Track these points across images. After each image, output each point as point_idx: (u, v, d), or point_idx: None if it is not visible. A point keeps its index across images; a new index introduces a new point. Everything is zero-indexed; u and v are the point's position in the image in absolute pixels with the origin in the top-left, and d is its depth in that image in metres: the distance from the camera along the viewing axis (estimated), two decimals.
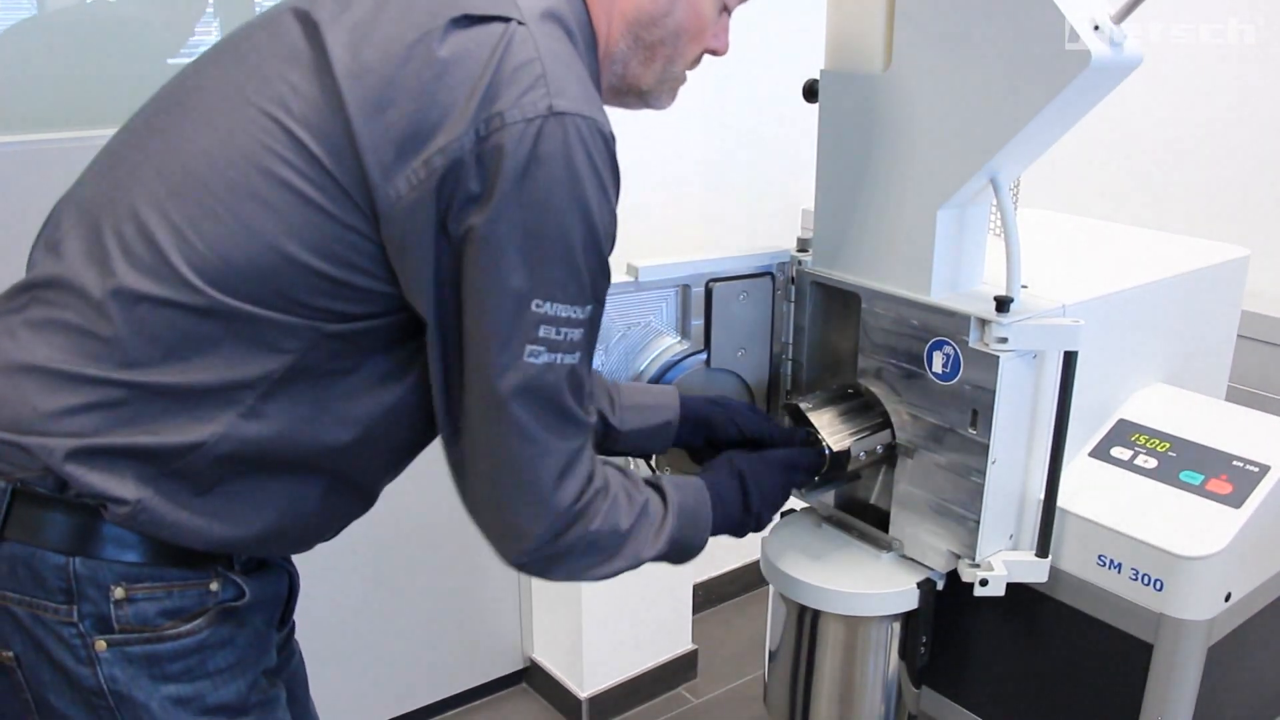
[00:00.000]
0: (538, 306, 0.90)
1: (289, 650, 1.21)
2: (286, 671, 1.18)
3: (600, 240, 0.92)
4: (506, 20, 0.90)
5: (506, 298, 0.89)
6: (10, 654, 0.93)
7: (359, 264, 0.91)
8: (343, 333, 0.93)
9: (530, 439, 0.93)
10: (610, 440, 1.19)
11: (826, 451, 1.19)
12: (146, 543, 0.93)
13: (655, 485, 1.09)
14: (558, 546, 0.98)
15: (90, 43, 1.72)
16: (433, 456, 2.31)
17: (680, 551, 1.10)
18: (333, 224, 0.90)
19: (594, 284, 0.93)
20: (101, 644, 0.93)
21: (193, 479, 0.93)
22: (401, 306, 0.94)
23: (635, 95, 1.09)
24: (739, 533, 1.16)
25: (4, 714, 0.97)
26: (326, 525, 1.06)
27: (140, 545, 0.93)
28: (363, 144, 0.88)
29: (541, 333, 0.90)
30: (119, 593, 0.92)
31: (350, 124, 0.88)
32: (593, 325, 0.95)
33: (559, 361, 0.92)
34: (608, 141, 0.92)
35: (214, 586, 0.98)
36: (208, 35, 1.85)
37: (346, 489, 1.04)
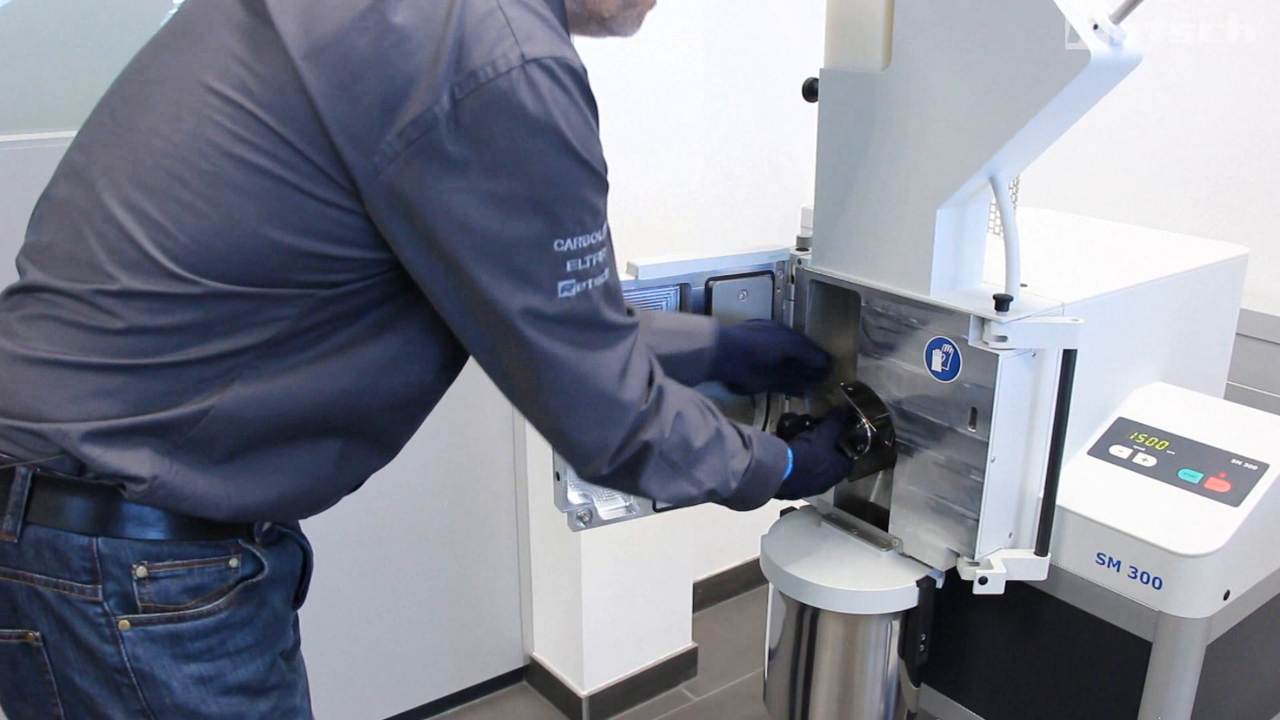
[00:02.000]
0: (559, 246, 0.92)
1: (295, 638, 1.20)
2: (296, 656, 1.19)
3: (596, 169, 0.94)
4: None
5: (527, 247, 0.91)
6: (36, 634, 0.95)
7: (345, 237, 0.92)
8: (338, 295, 0.94)
9: (582, 362, 0.97)
10: None
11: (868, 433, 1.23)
12: (167, 519, 0.95)
13: (734, 425, 1.13)
14: (634, 448, 1.02)
15: (68, 39, 1.72)
16: (431, 456, 2.31)
17: (741, 500, 1.14)
18: (312, 202, 0.90)
19: (602, 207, 0.96)
20: (125, 623, 0.94)
21: (207, 448, 0.94)
22: (395, 265, 0.95)
23: (597, 23, 1.09)
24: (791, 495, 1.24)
25: (28, 695, 0.98)
26: (346, 481, 1.08)
27: (160, 522, 0.95)
28: (330, 124, 0.87)
29: (569, 268, 0.93)
30: (141, 571, 0.94)
31: (314, 105, 0.87)
32: (609, 237, 0.98)
33: (590, 286, 0.95)
34: (581, 76, 0.92)
35: (233, 563, 1.00)
36: None
37: (362, 443, 1.05)
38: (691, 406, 1.08)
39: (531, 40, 0.87)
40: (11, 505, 0.92)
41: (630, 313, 1.02)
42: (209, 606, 0.98)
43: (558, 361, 0.96)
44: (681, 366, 1.23)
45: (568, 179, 0.91)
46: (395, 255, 0.94)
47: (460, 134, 0.87)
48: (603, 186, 0.95)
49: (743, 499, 1.14)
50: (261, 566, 1.02)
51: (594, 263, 0.95)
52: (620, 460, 1.02)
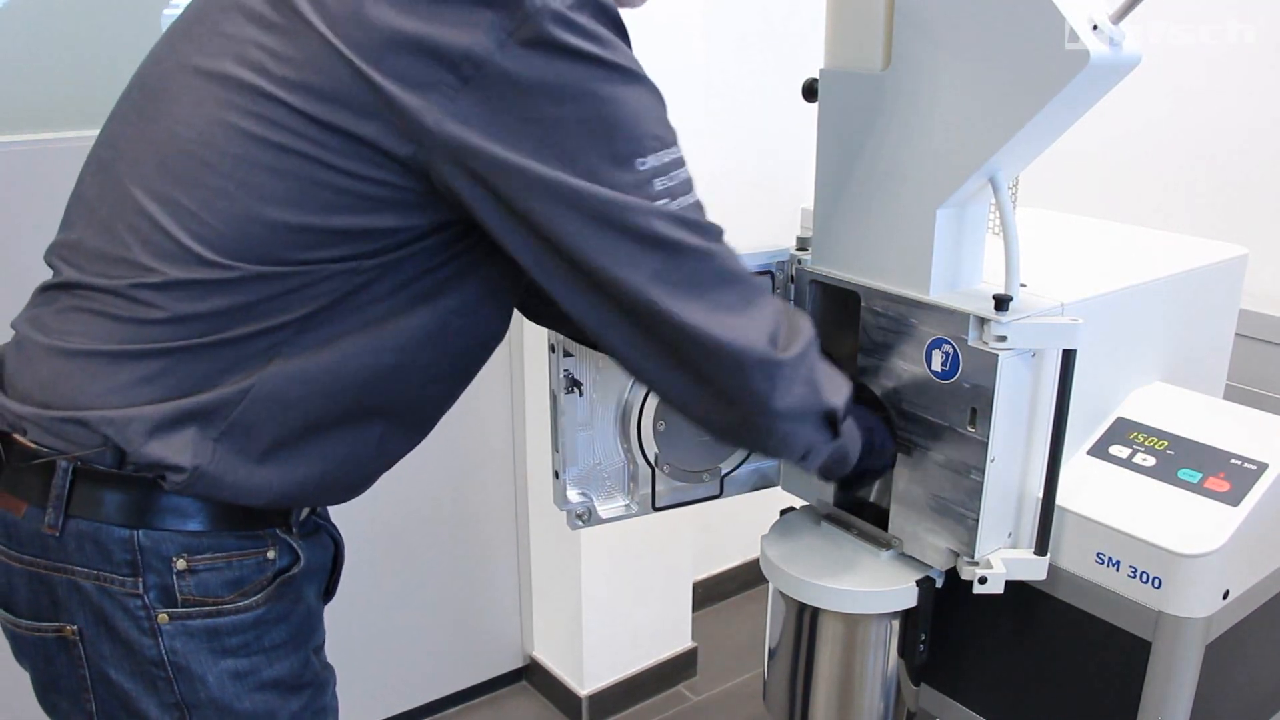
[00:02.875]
0: (642, 165, 0.91)
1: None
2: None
3: (652, 85, 0.93)
4: None
5: (613, 167, 0.89)
6: (74, 628, 0.96)
7: (380, 206, 0.91)
8: (376, 267, 0.94)
9: (705, 261, 0.94)
10: None
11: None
12: (206, 509, 0.96)
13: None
14: (793, 352, 0.97)
15: (69, 39, 1.72)
16: (432, 455, 2.31)
17: (843, 451, 1.10)
18: (343, 177, 0.89)
19: (669, 122, 0.95)
20: (164, 616, 0.95)
21: (249, 433, 0.95)
22: (434, 228, 0.95)
23: None
24: (845, 480, 1.23)
25: (63, 688, 0.99)
26: (384, 463, 1.08)
27: (200, 513, 0.95)
28: (380, 80, 0.86)
29: (658, 185, 0.91)
30: (181, 564, 0.95)
31: (358, 67, 0.86)
32: (681, 153, 0.96)
33: (686, 203, 0.93)
34: (615, 15, 0.93)
35: (271, 554, 1.00)
36: None
37: (399, 422, 1.05)
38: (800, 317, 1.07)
39: None
40: (53, 499, 0.93)
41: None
42: (247, 601, 0.98)
43: (678, 279, 0.93)
44: None
45: (630, 96, 0.90)
46: (433, 221, 0.94)
47: (516, 66, 0.86)
48: (663, 102, 0.94)
49: (841, 453, 1.11)
50: (298, 558, 1.03)
51: (681, 179, 0.94)
52: (782, 334, 0.98)
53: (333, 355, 0.95)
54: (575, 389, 1.24)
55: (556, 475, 1.27)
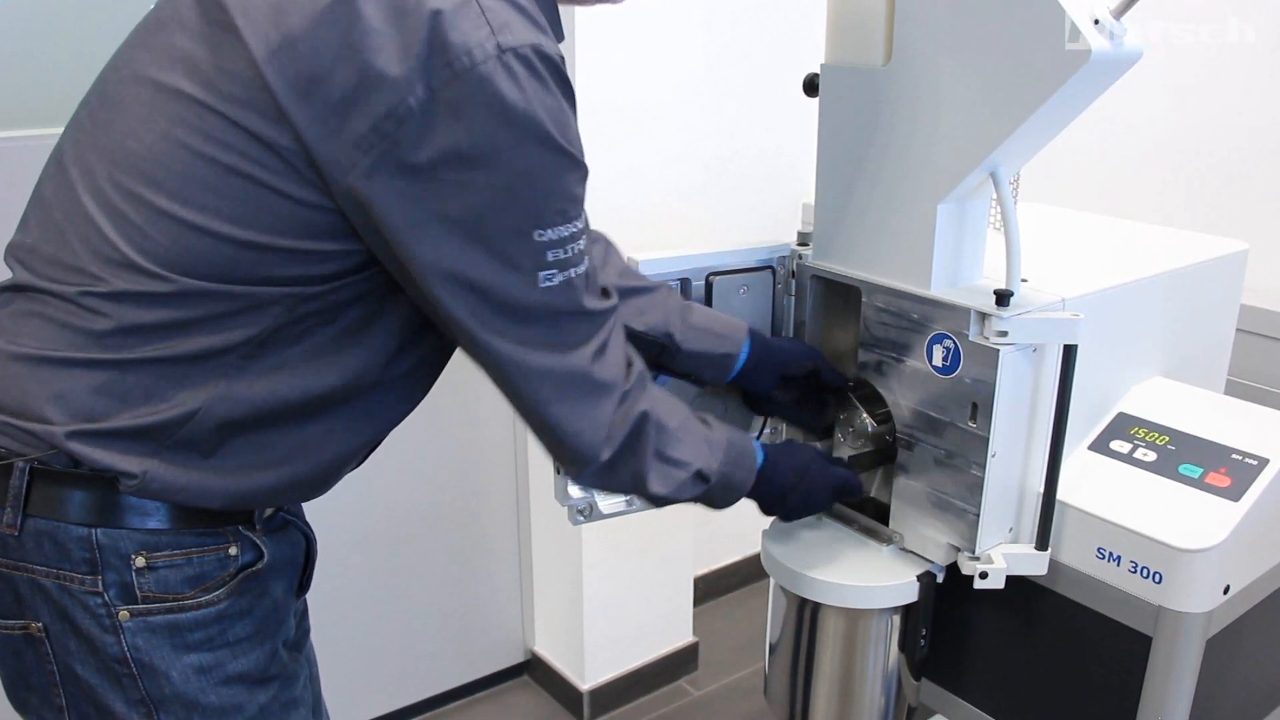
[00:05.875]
0: (540, 236, 0.91)
1: (304, 628, 1.22)
2: (304, 646, 1.21)
3: (576, 157, 0.93)
4: None
5: (509, 238, 0.91)
6: (39, 625, 0.96)
7: (319, 232, 0.91)
8: (320, 293, 0.94)
9: (566, 352, 0.97)
10: (668, 356, 1.24)
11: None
12: (164, 509, 0.96)
13: (698, 415, 1.14)
14: (631, 422, 1.03)
15: (65, 34, 1.72)
16: (432, 452, 2.31)
17: (725, 485, 1.14)
18: (284, 201, 0.89)
19: (581, 195, 0.95)
20: (125, 613, 0.95)
21: (196, 445, 0.95)
22: (375, 259, 0.95)
23: None
24: (766, 509, 1.23)
25: (33, 685, 1.00)
26: (344, 463, 1.07)
27: (158, 512, 0.96)
28: (297, 121, 0.86)
29: (550, 257, 0.93)
30: (140, 561, 0.95)
31: (279, 101, 0.86)
32: (586, 223, 0.98)
33: (573, 275, 0.95)
34: (558, 65, 0.91)
35: (233, 551, 1.00)
36: None
37: (354, 428, 1.05)
38: (661, 391, 1.09)
39: (508, 29, 0.86)
40: (11, 498, 0.93)
41: (607, 293, 1.02)
42: (208, 597, 0.99)
43: (536, 355, 0.96)
44: (709, 366, 1.24)
45: (548, 168, 0.90)
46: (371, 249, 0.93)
47: (437, 125, 0.85)
48: (582, 174, 0.94)
49: (726, 484, 1.14)
50: (261, 554, 1.03)
51: (575, 251, 0.94)
52: (619, 440, 1.03)
53: (279, 380, 0.96)
54: None
55: (558, 471, 1.27)
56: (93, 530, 0.94)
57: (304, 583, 1.16)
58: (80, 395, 0.92)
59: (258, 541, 1.03)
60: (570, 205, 0.93)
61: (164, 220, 0.90)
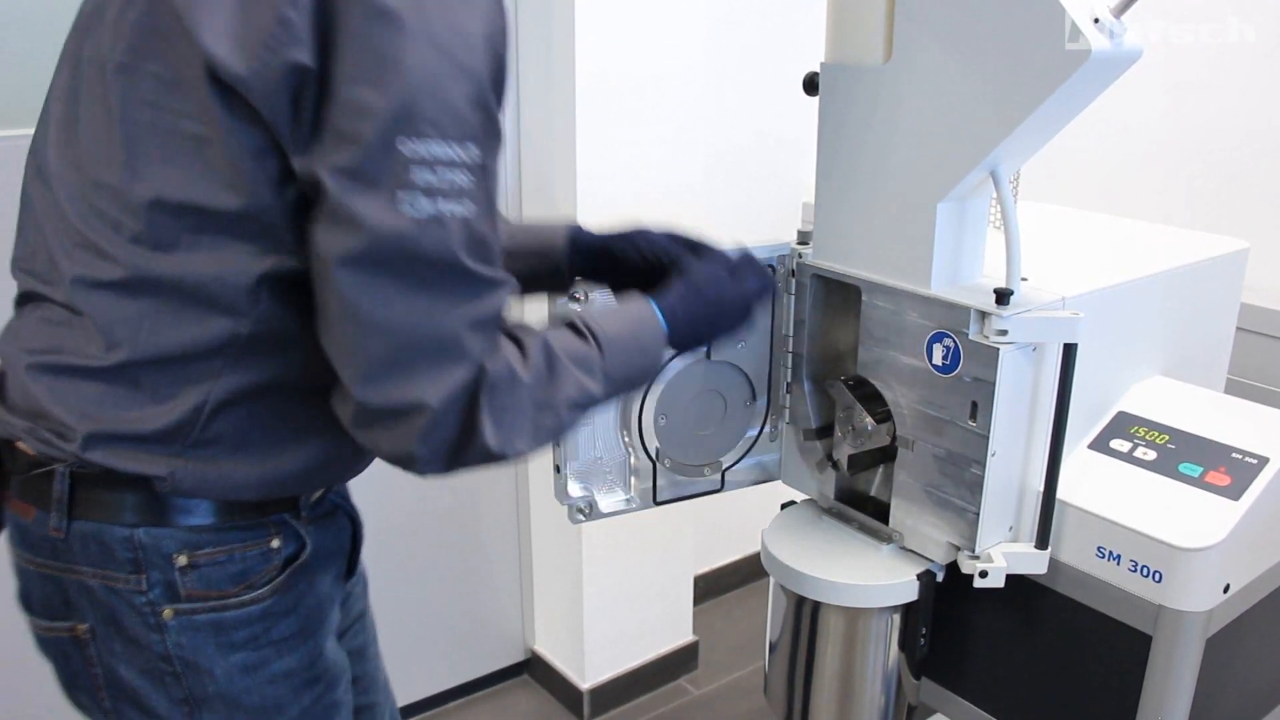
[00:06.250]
0: (403, 145, 0.81)
1: (358, 607, 1.23)
2: (358, 627, 1.22)
3: (472, 73, 0.83)
4: None
5: (370, 138, 0.80)
6: (85, 627, 0.97)
7: (272, 180, 0.86)
8: (296, 271, 0.89)
9: (423, 311, 0.85)
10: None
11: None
12: (204, 505, 0.95)
13: (572, 325, 1.01)
14: (468, 395, 0.88)
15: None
16: None
17: (629, 376, 1.03)
18: (225, 152, 0.85)
19: (478, 120, 0.84)
20: (169, 612, 0.96)
21: (217, 440, 0.94)
22: None
23: None
24: (696, 341, 1.14)
25: (81, 686, 1.01)
26: None
27: (198, 509, 0.95)
28: (208, 47, 0.82)
29: (416, 177, 0.81)
30: (182, 560, 0.95)
31: (194, 37, 0.82)
32: (484, 174, 0.85)
33: (445, 212, 0.83)
34: None
35: (275, 544, 0.99)
36: None
37: None
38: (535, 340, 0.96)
39: None
40: (55, 503, 0.94)
41: (499, 268, 0.90)
42: (252, 595, 0.98)
43: (381, 296, 0.83)
44: (539, 279, 1.18)
45: (428, 73, 0.81)
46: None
47: (319, 24, 0.80)
48: (479, 99, 0.84)
49: (631, 375, 1.02)
50: (304, 545, 1.02)
51: (452, 183, 0.83)
52: (459, 429, 0.89)
53: (278, 358, 0.94)
54: None
55: (558, 470, 1.27)
56: (135, 530, 0.94)
57: (351, 567, 1.15)
58: (90, 404, 0.92)
59: (301, 531, 1.02)
60: (451, 122, 0.82)
61: (132, 200, 0.88)
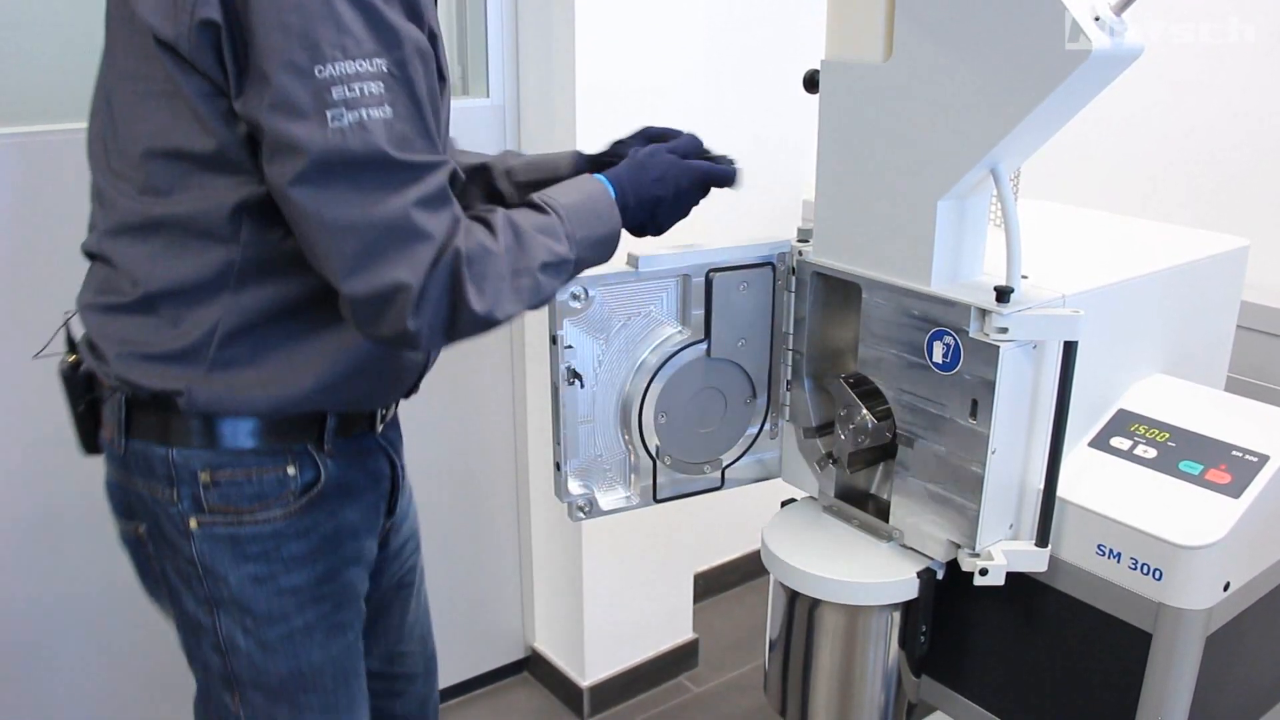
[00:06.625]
0: (320, 72, 0.92)
1: (402, 557, 1.38)
2: (397, 578, 1.38)
3: None
4: None
5: (288, 74, 0.92)
6: (143, 528, 1.15)
7: (229, 117, 0.99)
8: (265, 196, 1.01)
9: (370, 205, 0.95)
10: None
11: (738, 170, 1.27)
12: (227, 427, 1.09)
13: (529, 202, 1.12)
14: (444, 284, 0.98)
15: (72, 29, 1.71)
16: (433, 447, 2.31)
17: (591, 244, 1.12)
18: (188, 101, 0.99)
19: (376, 34, 0.95)
20: (194, 522, 1.11)
21: (230, 363, 1.07)
22: None
23: None
24: (638, 232, 1.21)
25: (147, 576, 1.20)
26: (390, 367, 1.17)
27: (223, 434, 1.10)
28: (143, 17, 0.98)
29: (336, 95, 0.93)
30: (205, 477, 1.10)
31: (134, 11, 0.99)
32: (395, 78, 0.96)
33: (367, 117, 0.94)
34: None
35: (290, 470, 1.13)
36: None
37: None
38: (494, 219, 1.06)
39: None
40: (117, 424, 1.12)
41: (428, 151, 1.00)
42: (267, 514, 1.12)
43: (335, 201, 0.95)
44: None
45: (321, 7, 0.92)
46: None
47: None
48: (370, 16, 0.94)
49: (592, 243, 1.12)
50: (320, 475, 1.14)
51: (369, 91, 0.94)
52: (438, 296, 0.98)
53: (278, 281, 1.06)
54: (576, 381, 1.24)
55: (558, 467, 1.27)
56: (170, 449, 1.10)
57: (391, 507, 1.28)
58: (122, 332, 1.08)
59: (320, 462, 1.14)
60: (352, 44, 0.93)
61: (129, 157, 1.04)
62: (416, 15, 1.00)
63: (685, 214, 1.25)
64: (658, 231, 1.23)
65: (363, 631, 1.25)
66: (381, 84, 0.95)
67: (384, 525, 1.28)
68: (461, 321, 1.00)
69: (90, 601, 1.86)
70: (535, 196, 1.12)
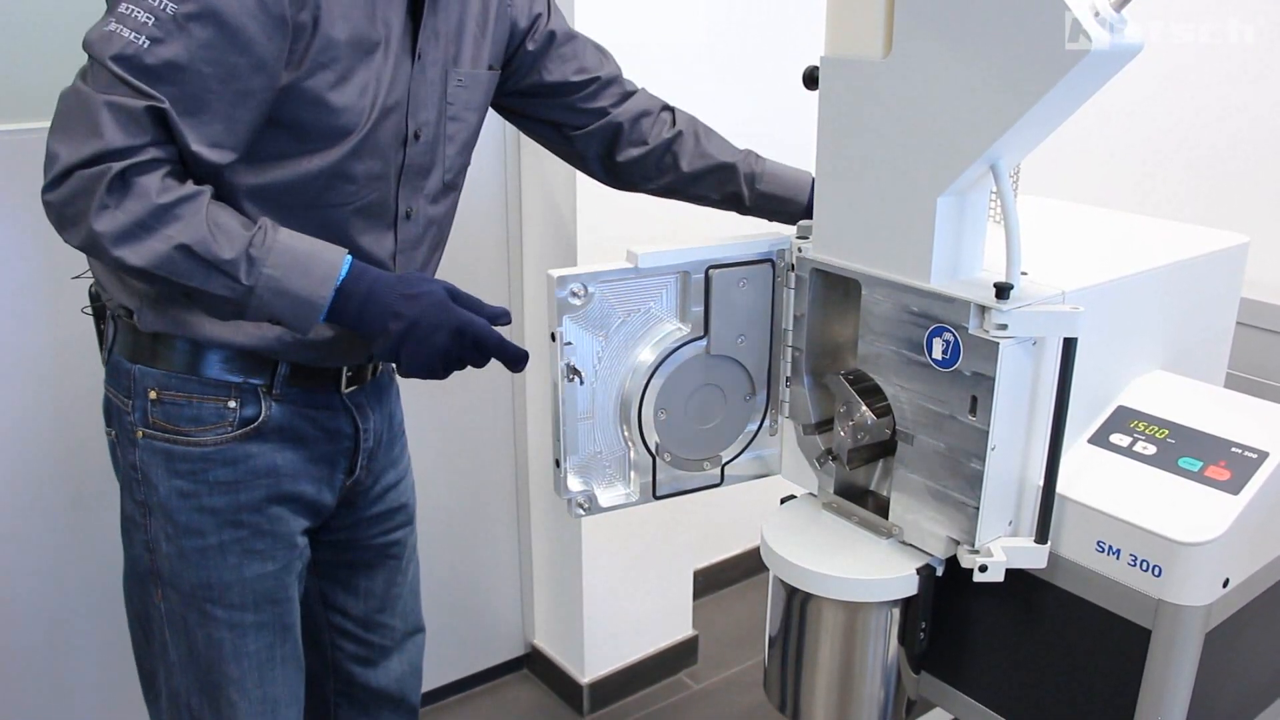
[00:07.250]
0: None
1: (393, 534, 1.55)
2: (377, 543, 1.52)
3: None
4: None
5: None
6: (114, 432, 1.32)
7: None
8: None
9: (79, 86, 1.09)
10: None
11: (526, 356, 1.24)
12: (180, 353, 1.24)
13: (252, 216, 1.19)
14: (85, 183, 1.06)
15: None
16: (433, 445, 2.31)
17: (276, 289, 1.12)
18: None
19: None
20: (140, 432, 1.27)
21: (165, 292, 1.19)
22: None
23: None
24: (379, 351, 1.17)
25: (117, 468, 1.34)
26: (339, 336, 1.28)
27: (173, 355, 1.25)
28: None
29: (120, 7, 1.07)
30: (153, 395, 1.26)
31: None
32: (177, 26, 1.07)
33: (115, 31, 1.06)
34: None
35: (231, 404, 1.27)
36: None
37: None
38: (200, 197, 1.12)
39: None
40: (105, 337, 1.31)
41: (150, 98, 1.07)
42: (199, 439, 1.26)
43: (77, 83, 1.09)
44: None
45: None
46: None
47: None
48: None
49: (278, 288, 1.11)
50: (260, 413, 1.28)
51: (134, 19, 1.06)
52: (70, 190, 1.07)
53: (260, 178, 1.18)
54: (576, 378, 1.24)
55: (557, 464, 1.27)
56: (133, 366, 1.26)
57: (352, 467, 1.40)
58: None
59: (263, 403, 1.28)
60: None
61: None
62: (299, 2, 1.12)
63: (438, 364, 1.17)
64: (403, 369, 1.17)
65: (341, 583, 1.49)
66: (153, 19, 1.06)
67: (342, 482, 1.40)
68: (78, 228, 1.07)
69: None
70: (262, 218, 1.15)
